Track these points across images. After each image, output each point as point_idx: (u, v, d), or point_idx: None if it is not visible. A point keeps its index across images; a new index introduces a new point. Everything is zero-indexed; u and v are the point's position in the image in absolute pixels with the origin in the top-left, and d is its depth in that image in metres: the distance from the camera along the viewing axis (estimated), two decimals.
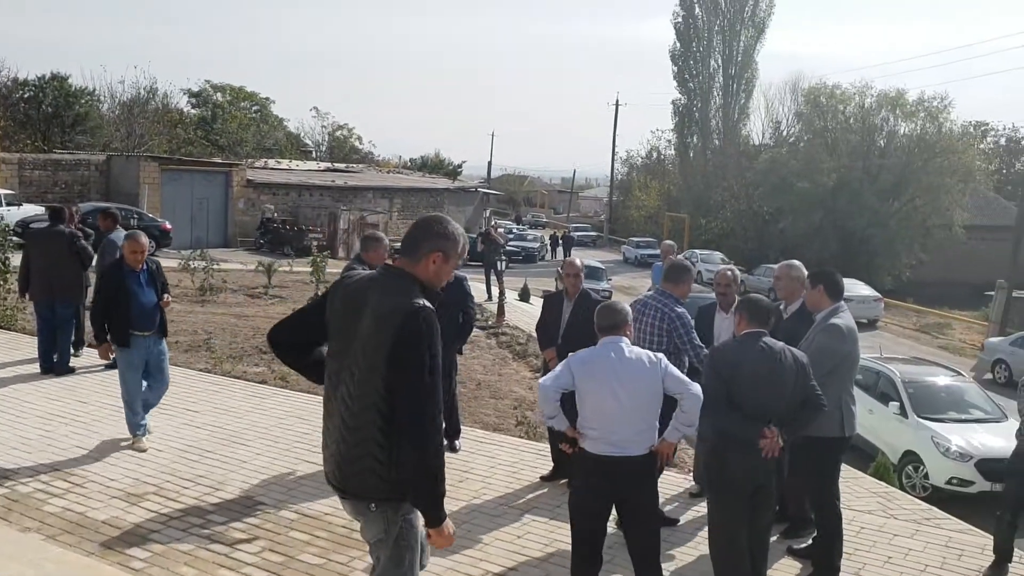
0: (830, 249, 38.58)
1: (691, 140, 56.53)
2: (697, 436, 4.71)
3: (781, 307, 6.08)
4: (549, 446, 7.11)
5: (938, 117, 39.88)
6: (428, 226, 3.34)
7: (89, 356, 9.85)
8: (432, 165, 62.73)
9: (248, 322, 13.36)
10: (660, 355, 4.48)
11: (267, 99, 58.61)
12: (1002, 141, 62.04)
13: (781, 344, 4.76)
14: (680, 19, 55.37)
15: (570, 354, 4.63)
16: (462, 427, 8.01)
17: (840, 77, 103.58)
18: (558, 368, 4.52)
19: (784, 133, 51.60)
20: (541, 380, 4.67)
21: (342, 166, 47.91)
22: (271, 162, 43.91)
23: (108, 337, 6.88)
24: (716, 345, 4.63)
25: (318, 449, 7.02)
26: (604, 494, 4.36)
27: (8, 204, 25.85)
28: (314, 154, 58.96)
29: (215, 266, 16.70)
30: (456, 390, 7.78)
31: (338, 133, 63.15)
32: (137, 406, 6.98)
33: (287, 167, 43.05)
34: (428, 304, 3.17)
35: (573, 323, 6.69)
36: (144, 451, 6.89)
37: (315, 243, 28.63)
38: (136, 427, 7.02)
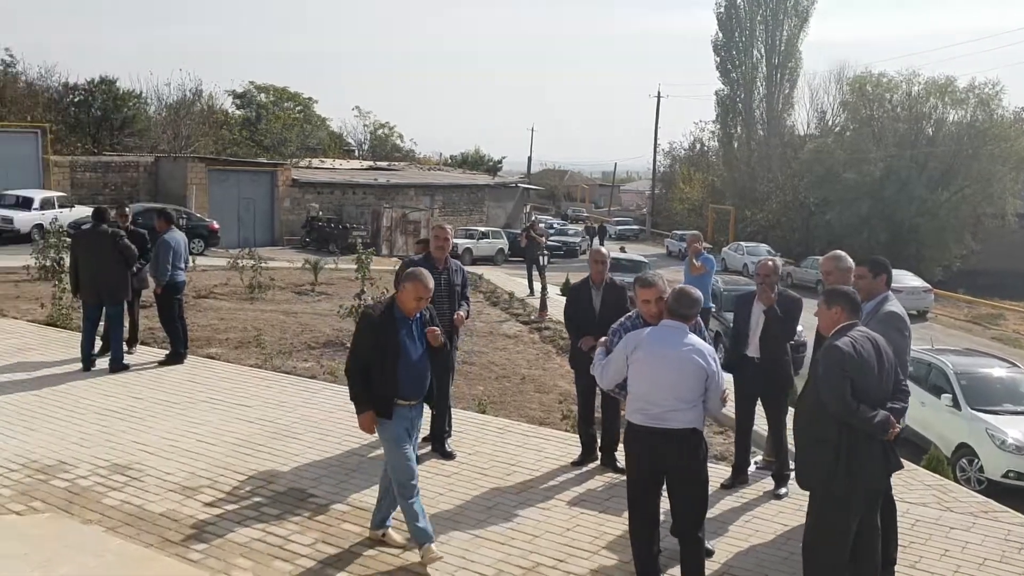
0: (878, 239, 37.93)
1: (735, 131, 55.91)
2: (815, 439, 4.55)
3: None
4: (578, 432, 7.28)
5: (989, 104, 38.96)
6: None
7: (141, 353, 10.08)
8: (472, 161, 62.88)
9: (296, 319, 13.52)
10: (716, 361, 4.70)
11: (310, 99, 59.09)
12: None
13: (873, 333, 4.67)
14: (722, 9, 54.84)
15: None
16: (508, 420, 8.02)
17: (885, 65, 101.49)
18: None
19: (829, 123, 50.85)
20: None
21: (384, 164, 48.25)
22: (315, 161, 44.38)
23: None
24: (833, 344, 4.47)
25: (368, 442, 7.16)
26: (648, 462, 4.66)
27: (61, 206, 26.55)
28: (356, 153, 59.45)
29: (263, 264, 16.92)
30: (449, 386, 7.27)
31: (380, 132, 63.59)
32: (414, 495, 5.08)
33: (331, 166, 43.47)
34: None
35: (604, 312, 6.68)
36: (439, 559, 5.07)
37: (359, 240, 28.74)
38: (424, 531, 5.05)
